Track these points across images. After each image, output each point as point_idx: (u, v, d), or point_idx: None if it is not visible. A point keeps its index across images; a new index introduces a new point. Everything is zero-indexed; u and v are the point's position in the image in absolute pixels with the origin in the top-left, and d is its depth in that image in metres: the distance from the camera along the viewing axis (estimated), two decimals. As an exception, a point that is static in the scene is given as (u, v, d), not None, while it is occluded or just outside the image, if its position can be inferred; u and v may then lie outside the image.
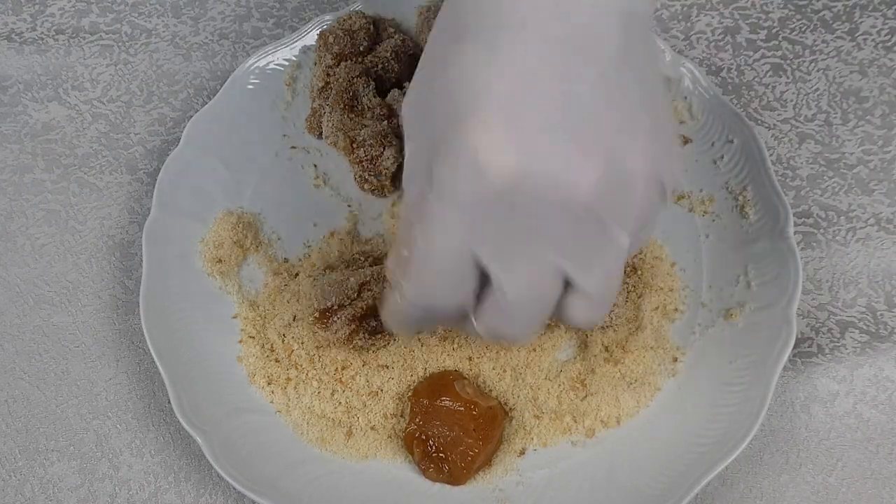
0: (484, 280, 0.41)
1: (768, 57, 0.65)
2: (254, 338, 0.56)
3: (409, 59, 0.63)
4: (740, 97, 0.64)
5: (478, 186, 0.37)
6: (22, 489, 0.54)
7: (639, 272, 0.57)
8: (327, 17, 0.64)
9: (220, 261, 0.58)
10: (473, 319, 0.42)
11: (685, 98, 0.62)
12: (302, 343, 0.55)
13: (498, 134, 0.36)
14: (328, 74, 0.61)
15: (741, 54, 0.65)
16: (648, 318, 0.56)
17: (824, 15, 0.67)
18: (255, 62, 0.63)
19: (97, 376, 0.57)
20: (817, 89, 0.64)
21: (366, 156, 0.58)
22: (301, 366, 0.55)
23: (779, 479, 0.53)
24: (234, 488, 0.52)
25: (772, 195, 0.57)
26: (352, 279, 0.53)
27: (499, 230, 0.38)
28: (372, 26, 0.63)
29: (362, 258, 0.57)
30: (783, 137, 0.63)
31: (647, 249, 0.58)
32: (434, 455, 0.51)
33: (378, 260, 0.57)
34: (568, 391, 0.54)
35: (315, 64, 0.63)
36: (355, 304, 0.53)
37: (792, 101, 0.64)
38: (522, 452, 0.53)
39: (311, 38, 0.64)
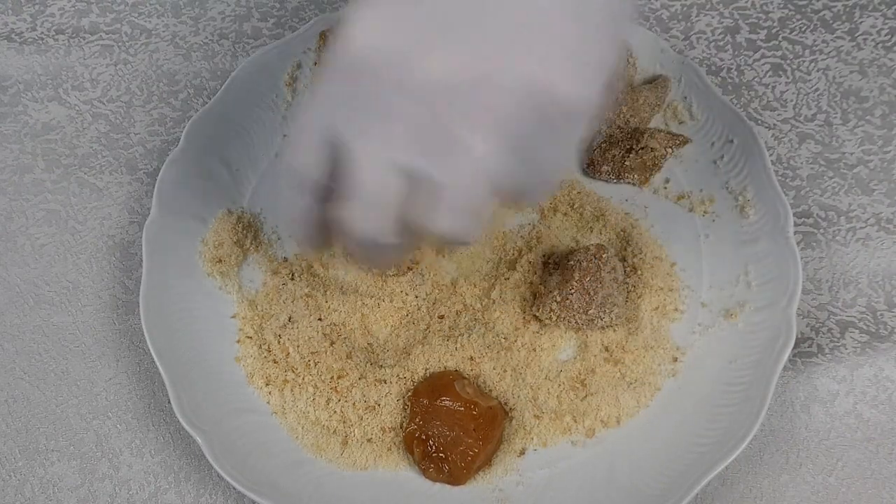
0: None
1: (768, 57, 0.65)
2: (251, 338, 0.56)
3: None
4: (740, 97, 0.64)
5: (336, 56, 0.37)
6: (22, 489, 0.54)
7: (639, 272, 0.57)
8: (327, 17, 0.64)
9: (220, 261, 0.58)
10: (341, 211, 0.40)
11: (685, 98, 0.62)
12: (297, 346, 0.55)
13: (373, 15, 0.37)
14: (328, 74, 0.61)
15: (741, 54, 0.65)
16: (648, 318, 0.56)
17: (824, 15, 0.67)
18: (255, 62, 0.63)
19: (97, 376, 0.57)
20: (817, 89, 0.64)
21: (366, 156, 0.58)
22: (297, 369, 0.55)
23: (779, 479, 0.53)
24: (234, 488, 0.52)
25: (772, 195, 0.57)
26: None
27: (352, 104, 0.38)
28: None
29: None
30: (783, 137, 0.63)
31: (647, 249, 0.58)
32: (434, 455, 0.51)
33: None
34: (568, 391, 0.54)
35: (315, 64, 0.63)
36: None
37: (792, 101, 0.64)
38: (522, 452, 0.53)
39: (311, 38, 0.64)
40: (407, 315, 0.57)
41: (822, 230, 0.60)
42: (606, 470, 0.52)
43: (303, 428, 0.54)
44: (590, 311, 0.54)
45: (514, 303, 0.56)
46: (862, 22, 0.66)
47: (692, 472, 0.50)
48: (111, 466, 0.55)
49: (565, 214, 0.59)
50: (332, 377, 0.54)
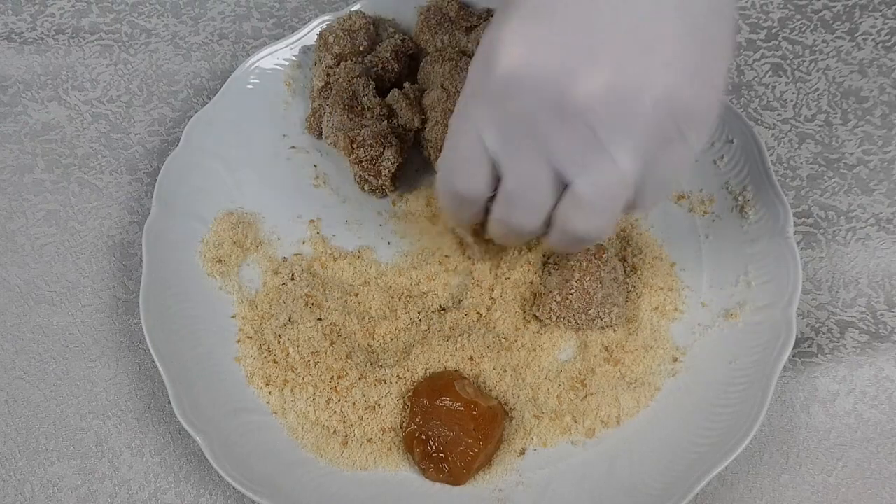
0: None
1: (768, 57, 0.65)
2: (251, 338, 0.56)
3: (409, 59, 0.63)
4: (740, 97, 0.64)
5: (487, 77, 0.40)
6: (22, 489, 0.54)
7: (639, 272, 0.57)
8: (327, 17, 0.64)
9: (220, 261, 0.58)
10: (492, 208, 0.45)
11: (685, 98, 0.62)
12: (297, 346, 0.55)
13: (515, 34, 0.39)
14: (328, 74, 0.61)
15: (741, 54, 0.65)
16: (648, 318, 0.56)
17: (824, 15, 0.67)
18: (255, 62, 0.63)
19: (97, 376, 0.57)
20: (817, 89, 0.64)
21: (366, 156, 0.58)
22: (296, 369, 0.55)
23: (779, 479, 0.53)
24: (234, 488, 0.52)
25: (772, 195, 0.57)
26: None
27: (504, 119, 0.41)
28: (372, 26, 0.63)
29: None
30: (783, 137, 0.63)
31: (647, 249, 0.58)
32: (434, 455, 0.51)
33: None
34: (568, 391, 0.54)
35: (315, 64, 0.63)
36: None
37: (792, 101, 0.64)
38: (522, 452, 0.53)
39: (311, 38, 0.64)
40: (406, 311, 0.57)
41: (822, 230, 0.60)
42: (606, 470, 0.52)
43: (303, 428, 0.54)
44: (590, 311, 0.54)
45: (514, 303, 0.56)
46: (862, 22, 0.66)
47: (692, 472, 0.50)
48: (111, 466, 0.55)
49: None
50: (332, 377, 0.54)
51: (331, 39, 0.62)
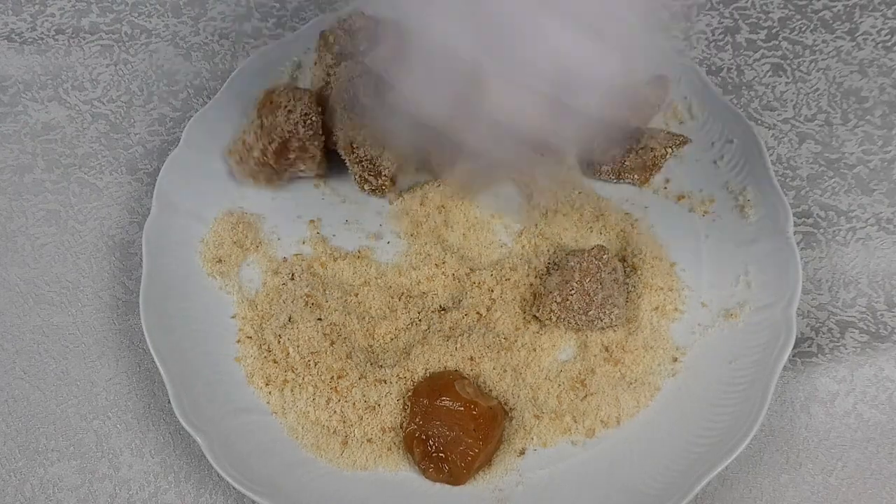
0: None
1: (768, 57, 0.65)
2: (251, 338, 0.56)
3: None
4: (740, 97, 0.64)
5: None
6: (22, 489, 0.54)
7: (639, 272, 0.57)
8: (327, 17, 0.64)
9: (220, 261, 0.58)
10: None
11: (685, 98, 0.62)
12: (297, 346, 0.55)
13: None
14: (328, 74, 0.61)
15: (741, 54, 0.65)
16: (648, 318, 0.56)
17: (824, 15, 0.67)
18: (255, 62, 0.63)
19: (97, 376, 0.57)
20: (817, 89, 0.64)
21: (366, 156, 0.58)
22: (296, 369, 0.55)
23: (779, 479, 0.53)
24: (234, 488, 0.52)
25: (772, 195, 0.57)
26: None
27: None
28: (372, 26, 0.63)
29: None
30: (783, 137, 0.63)
31: (647, 249, 0.58)
32: (434, 455, 0.51)
33: None
34: (568, 391, 0.54)
35: (315, 64, 0.63)
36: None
37: (792, 101, 0.64)
38: (522, 452, 0.53)
39: (311, 38, 0.64)
40: (406, 311, 0.57)
41: (822, 230, 0.60)
42: (606, 470, 0.52)
43: (303, 428, 0.54)
44: (590, 312, 0.54)
45: (514, 303, 0.56)
46: (862, 22, 0.66)
47: (692, 472, 0.50)
48: (111, 466, 0.55)
49: (565, 215, 0.59)
50: (332, 377, 0.54)
51: (331, 39, 0.62)
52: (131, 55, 0.68)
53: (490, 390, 0.54)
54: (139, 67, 0.67)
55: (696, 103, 0.61)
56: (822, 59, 0.65)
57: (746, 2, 0.67)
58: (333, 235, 0.60)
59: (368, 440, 0.53)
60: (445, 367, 0.55)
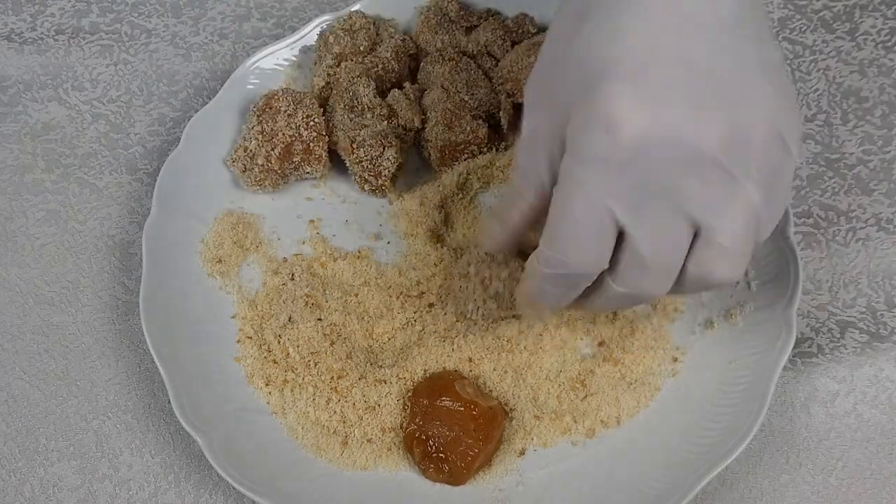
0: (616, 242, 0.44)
1: (768, 57, 0.65)
2: (251, 338, 0.56)
3: (409, 59, 0.63)
4: (740, 97, 0.64)
5: (613, 145, 0.40)
6: (22, 489, 0.54)
7: (639, 272, 0.57)
8: (327, 17, 0.64)
9: (220, 261, 0.58)
10: (611, 281, 0.44)
11: (685, 98, 0.61)
12: (297, 346, 0.55)
13: (628, 98, 0.40)
14: (328, 74, 0.61)
15: (741, 54, 0.65)
16: (648, 318, 0.56)
17: (824, 15, 0.67)
18: (255, 62, 0.63)
19: (97, 376, 0.57)
20: (817, 89, 0.64)
21: (366, 156, 0.58)
22: (296, 369, 0.55)
23: (779, 479, 0.53)
24: (234, 488, 0.52)
25: (772, 195, 0.57)
26: None
27: (633, 186, 0.41)
28: (372, 26, 0.63)
29: None
30: (783, 137, 0.63)
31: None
32: (434, 455, 0.51)
33: None
34: (568, 391, 0.54)
35: (315, 64, 0.63)
36: None
37: (792, 101, 0.64)
38: (522, 452, 0.53)
39: (311, 38, 0.64)
40: (403, 310, 0.57)
41: (822, 230, 0.60)
42: (606, 470, 0.52)
43: (303, 428, 0.53)
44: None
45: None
46: (862, 22, 0.66)
47: (692, 472, 0.50)
48: (111, 466, 0.55)
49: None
50: (332, 377, 0.54)
51: (331, 39, 0.62)
52: (131, 55, 0.68)
53: (490, 390, 0.54)
54: (139, 67, 0.67)
55: (696, 103, 0.61)
56: (822, 59, 0.65)
57: (746, 2, 0.67)
58: (333, 235, 0.60)
59: (368, 440, 0.53)
60: (445, 368, 0.55)
